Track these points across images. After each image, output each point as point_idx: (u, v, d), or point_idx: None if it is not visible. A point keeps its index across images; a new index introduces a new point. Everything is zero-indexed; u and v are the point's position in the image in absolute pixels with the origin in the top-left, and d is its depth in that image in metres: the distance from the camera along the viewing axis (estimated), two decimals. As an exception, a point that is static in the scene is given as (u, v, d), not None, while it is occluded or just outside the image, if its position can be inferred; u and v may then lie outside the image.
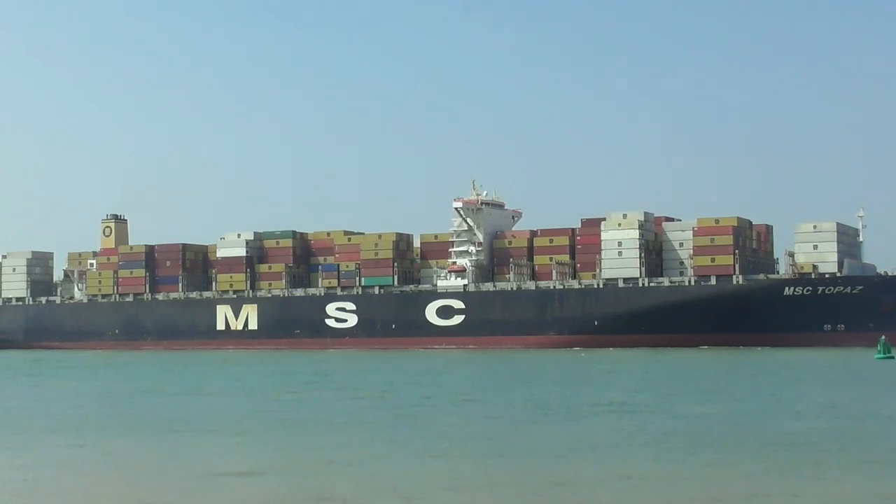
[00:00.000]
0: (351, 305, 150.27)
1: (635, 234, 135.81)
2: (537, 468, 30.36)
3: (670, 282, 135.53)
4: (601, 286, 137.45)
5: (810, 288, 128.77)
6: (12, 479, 29.21)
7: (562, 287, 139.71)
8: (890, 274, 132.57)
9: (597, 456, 32.72)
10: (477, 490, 27.09)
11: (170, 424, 43.28)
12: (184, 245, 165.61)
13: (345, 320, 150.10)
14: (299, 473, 30.05)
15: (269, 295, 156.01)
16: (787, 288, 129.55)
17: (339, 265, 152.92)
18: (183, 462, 32.82)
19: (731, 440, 35.76)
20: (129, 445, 37.07)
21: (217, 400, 57.25)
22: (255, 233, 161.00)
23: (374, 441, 36.78)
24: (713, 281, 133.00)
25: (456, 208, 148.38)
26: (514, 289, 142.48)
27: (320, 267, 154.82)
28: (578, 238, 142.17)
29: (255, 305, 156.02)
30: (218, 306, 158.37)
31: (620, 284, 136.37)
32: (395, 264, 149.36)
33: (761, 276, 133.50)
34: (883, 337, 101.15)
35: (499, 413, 46.85)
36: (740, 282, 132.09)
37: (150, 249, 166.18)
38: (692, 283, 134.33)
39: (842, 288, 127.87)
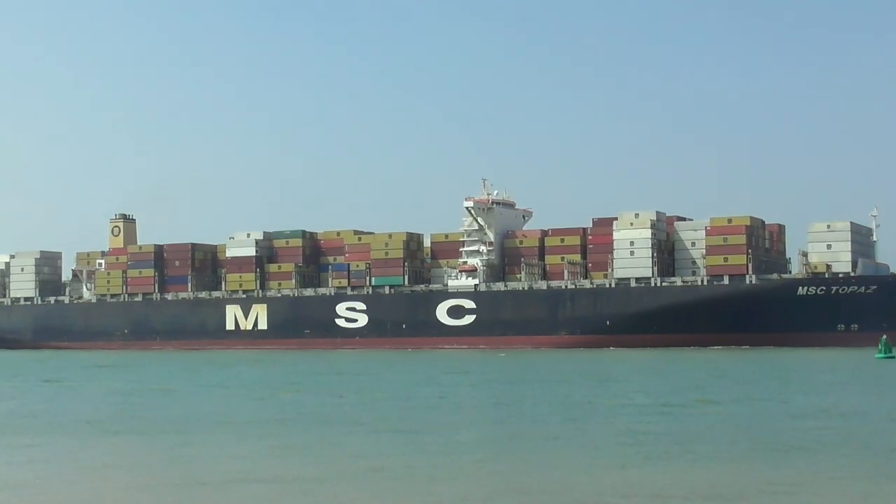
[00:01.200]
0: (361, 305, 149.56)
1: (647, 233, 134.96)
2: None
3: (683, 281, 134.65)
4: (613, 286, 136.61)
5: (824, 288, 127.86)
6: (15, 481, 28.56)
7: (573, 287, 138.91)
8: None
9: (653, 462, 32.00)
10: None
11: (177, 425, 42.62)
12: (193, 245, 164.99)
13: (355, 320, 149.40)
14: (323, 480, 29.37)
15: (279, 295, 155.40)
16: (800, 288, 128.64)
17: (349, 265, 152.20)
18: (193, 464, 32.16)
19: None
20: (135, 446, 36.46)
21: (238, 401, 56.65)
22: (264, 232, 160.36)
23: (391, 445, 36.06)
24: (726, 281, 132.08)
25: (466, 208, 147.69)
26: (526, 288, 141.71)
27: (330, 267, 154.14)
28: (590, 237, 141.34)
29: (265, 305, 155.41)
30: (227, 306, 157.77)
31: (632, 284, 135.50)
32: (406, 264, 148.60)
33: (774, 276, 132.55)
34: (884, 336, 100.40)
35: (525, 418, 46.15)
36: (753, 281, 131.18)
37: (159, 249, 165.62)
38: (705, 282, 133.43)
39: (855, 288, 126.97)
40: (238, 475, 29.45)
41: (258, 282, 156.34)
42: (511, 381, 70.05)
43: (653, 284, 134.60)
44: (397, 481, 28.10)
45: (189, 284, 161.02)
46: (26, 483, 28.41)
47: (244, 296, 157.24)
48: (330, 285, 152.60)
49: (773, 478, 27.79)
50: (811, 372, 75.94)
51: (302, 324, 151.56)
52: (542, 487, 27.08)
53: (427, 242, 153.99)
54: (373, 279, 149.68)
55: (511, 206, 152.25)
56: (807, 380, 66.43)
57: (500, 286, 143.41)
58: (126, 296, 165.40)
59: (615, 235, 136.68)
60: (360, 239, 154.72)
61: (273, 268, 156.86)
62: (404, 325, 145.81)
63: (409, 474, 29.15)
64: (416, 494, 26.33)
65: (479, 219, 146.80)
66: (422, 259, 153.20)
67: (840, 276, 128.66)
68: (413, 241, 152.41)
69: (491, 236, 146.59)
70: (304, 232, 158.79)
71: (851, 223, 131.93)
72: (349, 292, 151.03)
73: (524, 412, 46.66)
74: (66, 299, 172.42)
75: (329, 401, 54.07)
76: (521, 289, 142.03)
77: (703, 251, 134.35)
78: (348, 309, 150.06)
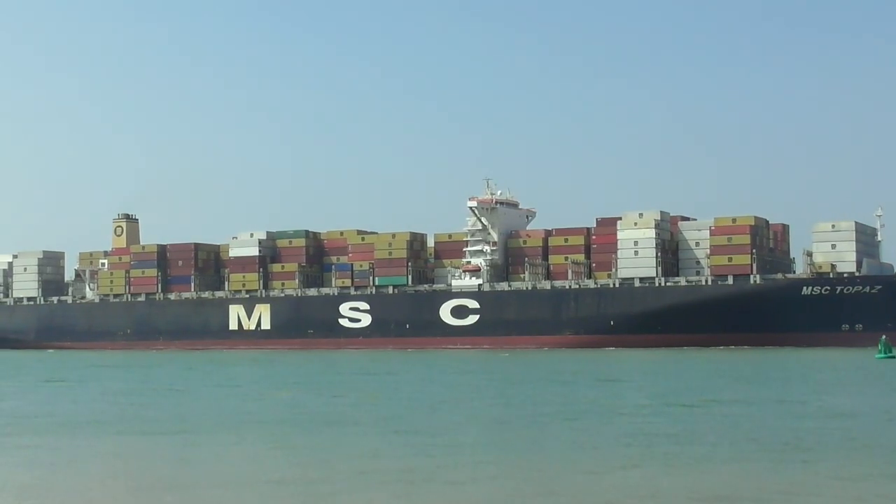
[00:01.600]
0: (364, 305, 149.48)
1: (651, 233, 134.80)
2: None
3: (687, 281, 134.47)
4: (617, 286, 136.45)
5: (828, 287, 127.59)
6: (16, 482, 28.45)
7: (577, 287, 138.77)
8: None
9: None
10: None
11: (179, 425, 42.48)
12: (196, 244, 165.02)
13: (358, 320, 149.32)
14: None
15: (282, 295, 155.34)
16: (804, 287, 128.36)
17: (352, 265, 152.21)
18: (194, 465, 32.04)
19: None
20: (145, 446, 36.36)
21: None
22: (267, 232, 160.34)
23: (391, 445, 35.95)
24: (730, 281, 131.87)
25: (470, 207, 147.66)
26: (529, 288, 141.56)
27: (333, 266, 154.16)
28: (594, 237, 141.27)
29: (268, 305, 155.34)
30: (230, 306, 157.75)
31: (636, 284, 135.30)
32: (409, 264, 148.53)
33: (779, 276, 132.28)
34: (884, 336, 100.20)
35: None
36: (757, 281, 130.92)
37: (162, 249, 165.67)
38: (709, 282, 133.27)
39: (860, 287, 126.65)
40: (239, 476, 29.31)
41: (261, 282, 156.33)
42: (514, 381, 69.87)
43: (657, 284, 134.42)
44: (397, 482, 27.93)
45: (192, 284, 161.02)
46: (26, 484, 28.26)
47: (247, 296, 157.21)
48: (333, 285, 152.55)
49: (773, 478, 27.66)
50: (812, 372, 75.76)
51: (305, 324, 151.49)
52: (542, 488, 26.92)
53: (431, 242, 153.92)
54: (376, 279, 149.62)
55: (515, 205, 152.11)
56: (807, 380, 66.25)
57: (503, 286, 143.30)
58: (129, 296, 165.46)
59: (619, 235, 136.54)
60: (363, 239, 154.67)
61: (276, 268, 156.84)
62: (408, 325, 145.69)
63: (409, 475, 28.96)
64: (415, 495, 26.17)
65: (483, 219, 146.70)
66: (425, 259, 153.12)
67: (844, 275, 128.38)
68: (416, 241, 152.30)
69: (494, 236, 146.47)
70: (307, 232, 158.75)
71: (856, 223, 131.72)
72: (352, 292, 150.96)
73: (526, 412, 46.47)
74: (69, 299, 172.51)
75: (330, 401, 53.94)
76: (524, 289, 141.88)
77: (707, 251, 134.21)
78: (351, 309, 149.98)
